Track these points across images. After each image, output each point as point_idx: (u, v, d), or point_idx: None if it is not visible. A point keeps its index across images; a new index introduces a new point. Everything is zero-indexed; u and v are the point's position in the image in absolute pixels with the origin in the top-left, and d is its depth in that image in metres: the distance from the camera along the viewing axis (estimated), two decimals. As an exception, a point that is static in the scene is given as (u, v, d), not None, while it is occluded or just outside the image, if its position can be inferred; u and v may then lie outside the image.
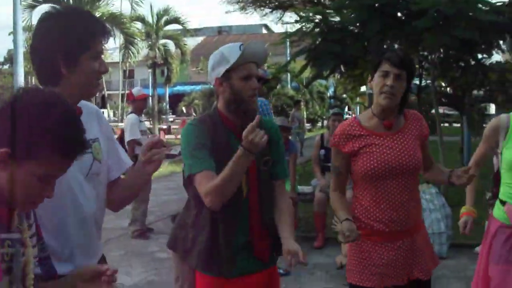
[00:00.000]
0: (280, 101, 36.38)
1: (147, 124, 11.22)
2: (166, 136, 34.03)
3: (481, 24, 10.11)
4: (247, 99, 3.73)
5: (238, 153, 3.45)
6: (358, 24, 11.69)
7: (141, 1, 40.27)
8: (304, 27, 12.41)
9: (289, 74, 38.16)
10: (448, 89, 15.85)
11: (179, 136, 32.35)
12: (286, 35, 13.22)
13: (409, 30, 10.78)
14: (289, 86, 43.77)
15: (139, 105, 10.87)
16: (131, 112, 10.97)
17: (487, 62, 13.01)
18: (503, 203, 4.63)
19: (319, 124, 47.75)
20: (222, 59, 3.74)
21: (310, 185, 10.48)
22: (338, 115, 9.87)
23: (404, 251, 4.07)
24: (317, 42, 11.88)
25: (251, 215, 3.82)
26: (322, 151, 9.88)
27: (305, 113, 38.75)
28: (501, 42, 11.84)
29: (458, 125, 20.13)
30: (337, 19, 12.12)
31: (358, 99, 39.64)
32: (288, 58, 36.92)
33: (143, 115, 11.65)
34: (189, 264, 3.94)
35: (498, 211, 4.69)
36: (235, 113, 3.78)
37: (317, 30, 12.00)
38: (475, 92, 13.94)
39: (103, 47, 3.02)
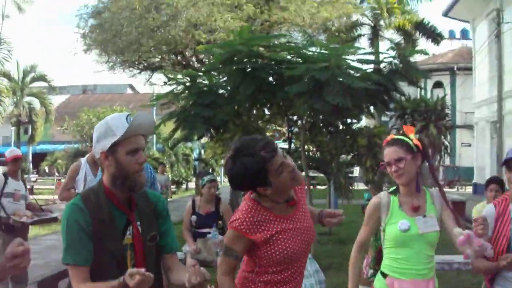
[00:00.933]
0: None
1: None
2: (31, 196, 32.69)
3: (352, 90, 10.32)
4: (134, 174, 3.52)
5: (114, 284, 3.26)
6: (229, 88, 11.66)
7: (9, 57, 39.37)
8: (175, 90, 12.31)
9: (154, 136, 37.93)
10: (317, 153, 16.09)
11: (45, 197, 31.10)
12: (157, 96, 13.05)
13: (282, 95, 10.86)
14: (154, 147, 43.46)
15: (10, 166, 10.36)
16: (3, 173, 10.48)
17: (356, 127, 13.29)
18: (384, 275, 4.68)
19: (184, 186, 47.32)
20: (107, 131, 3.50)
21: (181, 251, 10.20)
22: (213, 181, 9.68)
23: None
24: (188, 106, 11.76)
25: None
26: (194, 217, 9.61)
27: (170, 175, 38.40)
28: (371, 107, 12.12)
29: (323, 187, 20.47)
30: (207, 82, 12.11)
31: (222, 161, 39.69)
32: (154, 118, 36.89)
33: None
34: None
35: (379, 283, 4.72)
36: (120, 188, 3.55)
37: (186, 93, 11.91)
38: (342, 156, 14.14)
39: None
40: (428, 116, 32.64)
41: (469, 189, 32.76)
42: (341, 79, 10.47)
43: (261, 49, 12.08)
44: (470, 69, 37.23)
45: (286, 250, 3.77)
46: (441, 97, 34.97)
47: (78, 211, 3.49)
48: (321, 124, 12.69)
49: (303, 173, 14.20)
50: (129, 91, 73.66)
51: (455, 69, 42.79)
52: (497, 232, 4.78)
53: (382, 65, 11.61)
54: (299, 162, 17.31)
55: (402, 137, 4.62)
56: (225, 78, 12.28)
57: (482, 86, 31.83)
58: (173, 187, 38.78)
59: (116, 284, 3.23)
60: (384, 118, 25.76)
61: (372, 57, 12.12)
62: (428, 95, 36.84)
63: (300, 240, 3.84)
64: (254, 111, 13.29)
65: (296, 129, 13.91)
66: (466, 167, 44.14)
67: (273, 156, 3.60)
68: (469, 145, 37.23)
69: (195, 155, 45.43)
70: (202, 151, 42.07)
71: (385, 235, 4.66)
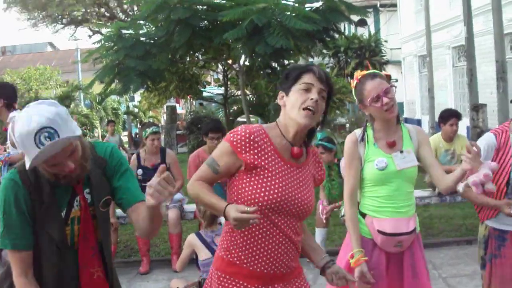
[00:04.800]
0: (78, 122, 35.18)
1: None
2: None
3: (294, 31, 10.10)
4: (58, 176, 3.11)
5: None
6: (160, 37, 11.29)
7: None
8: (106, 44, 11.89)
9: (81, 92, 37.12)
10: (253, 97, 15.90)
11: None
12: (89, 52, 12.54)
13: (219, 40, 10.58)
14: (82, 104, 42.56)
15: None
16: None
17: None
18: (363, 215, 4.47)
19: (116, 141, 46.57)
20: (22, 149, 2.98)
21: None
22: (156, 133, 9.35)
23: None
24: (120, 59, 11.37)
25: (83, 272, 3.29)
26: (140, 171, 9.29)
27: (100, 130, 37.46)
28: (309, 47, 11.93)
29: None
30: (131, 31, 11.77)
31: (151, 113, 39.05)
32: (80, 74, 36.07)
33: None
34: None
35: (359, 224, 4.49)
36: None
37: (119, 46, 11.49)
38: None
39: None
40: (362, 53, 32.73)
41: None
42: (281, 20, 10.23)
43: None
44: (393, 5, 37.38)
45: (267, 192, 3.23)
46: (373, 33, 35.13)
47: (16, 188, 3.12)
48: (257, 67, 12.39)
49: (245, 118, 14.00)
50: (49, 49, 72.03)
51: (378, 6, 42.82)
52: (498, 164, 4.52)
53: (318, 4, 11.35)
54: (234, 107, 17.15)
55: (374, 71, 4.40)
56: (154, 28, 11.96)
57: (408, 21, 32.02)
58: (104, 143, 37.92)
59: None
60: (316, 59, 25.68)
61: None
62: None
63: (289, 193, 3.28)
64: (188, 58, 13.02)
65: (230, 74, 13.74)
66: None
67: (310, 72, 3.29)
68: (396, 81, 37.55)
69: (122, 108, 44.66)
70: (130, 104, 41.36)
71: (363, 174, 4.41)
